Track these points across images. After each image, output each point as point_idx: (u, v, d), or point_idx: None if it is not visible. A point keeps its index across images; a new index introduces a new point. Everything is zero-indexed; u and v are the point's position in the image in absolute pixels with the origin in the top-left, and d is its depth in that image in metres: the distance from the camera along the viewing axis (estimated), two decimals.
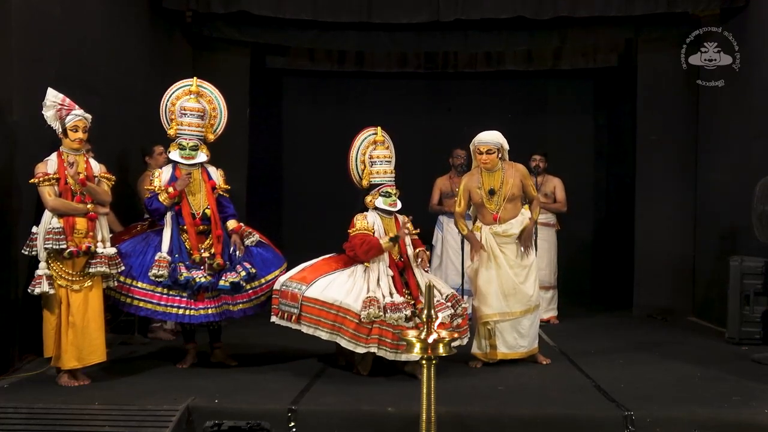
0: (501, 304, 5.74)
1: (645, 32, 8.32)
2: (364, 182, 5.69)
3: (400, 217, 5.73)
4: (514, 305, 5.75)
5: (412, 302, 5.36)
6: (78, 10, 6.22)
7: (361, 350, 5.22)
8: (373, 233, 5.48)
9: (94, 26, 6.51)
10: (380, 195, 5.59)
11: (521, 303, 5.76)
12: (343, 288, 5.29)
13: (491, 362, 5.77)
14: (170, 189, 5.52)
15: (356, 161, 5.72)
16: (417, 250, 5.66)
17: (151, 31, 7.68)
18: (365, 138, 5.74)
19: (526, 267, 5.81)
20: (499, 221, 5.78)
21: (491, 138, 5.77)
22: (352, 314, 5.19)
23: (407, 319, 5.22)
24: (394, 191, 5.62)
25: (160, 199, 5.52)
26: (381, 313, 5.15)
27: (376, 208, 5.60)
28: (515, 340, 5.78)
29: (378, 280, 5.35)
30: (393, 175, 5.68)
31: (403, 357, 5.22)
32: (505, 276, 5.74)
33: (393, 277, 5.40)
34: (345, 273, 5.43)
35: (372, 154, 5.67)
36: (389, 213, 5.61)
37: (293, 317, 5.34)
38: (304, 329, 5.33)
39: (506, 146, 5.85)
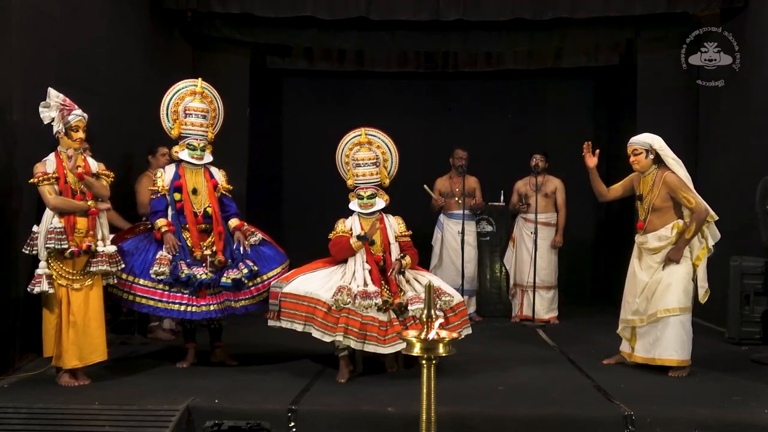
0: (630, 309, 5.69)
1: (645, 32, 8.31)
2: (349, 183, 5.77)
3: (393, 218, 5.75)
4: (643, 311, 5.61)
5: (389, 295, 5.35)
6: (78, 10, 6.22)
7: (328, 339, 5.23)
8: (351, 235, 5.57)
9: (94, 26, 6.51)
10: (356, 197, 5.67)
11: (651, 308, 5.56)
12: (318, 282, 5.40)
13: (628, 364, 5.75)
14: (166, 227, 5.47)
15: (341, 162, 5.83)
16: (395, 259, 5.60)
17: (151, 31, 7.68)
18: (349, 140, 5.80)
19: (659, 274, 5.56)
20: (644, 231, 5.65)
21: (637, 138, 5.67)
22: (321, 303, 5.25)
23: (378, 308, 5.26)
24: (367, 194, 5.64)
25: (157, 225, 5.49)
26: (350, 300, 5.20)
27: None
28: (649, 345, 5.60)
29: (354, 273, 5.42)
30: (375, 177, 5.69)
31: (369, 348, 5.25)
32: (640, 282, 5.64)
33: (370, 271, 5.44)
34: (326, 271, 5.54)
35: (355, 156, 5.72)
36: (367, 214, 5.66)
37: (275, 314, 5.44)
38: (283, 324, 5.40)
39: (657, 147, 5.56)
